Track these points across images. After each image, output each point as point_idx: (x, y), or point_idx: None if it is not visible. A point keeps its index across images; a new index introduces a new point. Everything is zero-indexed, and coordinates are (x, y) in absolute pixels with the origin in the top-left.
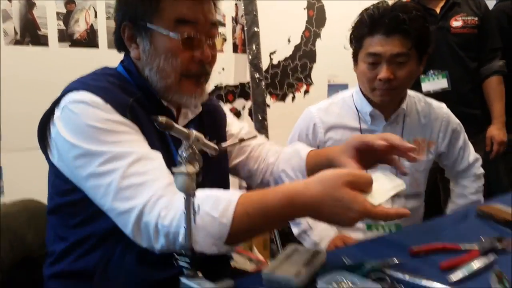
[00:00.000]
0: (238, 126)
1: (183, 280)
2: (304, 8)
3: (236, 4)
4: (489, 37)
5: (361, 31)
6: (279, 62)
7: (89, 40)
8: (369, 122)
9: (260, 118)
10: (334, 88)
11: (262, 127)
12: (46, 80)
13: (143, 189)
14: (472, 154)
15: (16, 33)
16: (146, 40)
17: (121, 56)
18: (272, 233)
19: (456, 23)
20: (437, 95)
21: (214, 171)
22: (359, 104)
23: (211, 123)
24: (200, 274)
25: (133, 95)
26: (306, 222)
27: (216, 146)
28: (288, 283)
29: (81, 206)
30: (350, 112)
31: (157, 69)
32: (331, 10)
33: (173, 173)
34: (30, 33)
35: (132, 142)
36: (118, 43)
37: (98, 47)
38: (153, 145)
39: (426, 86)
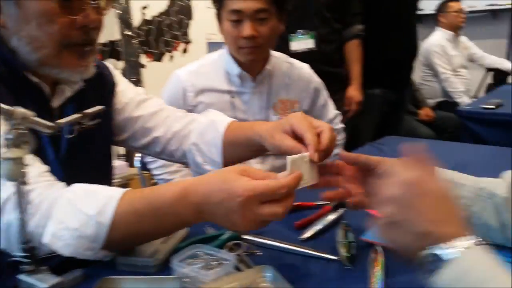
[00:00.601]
0: (131, 93)
1: (21, 277)
2: None
3: None
4: (351, 2)
5: None
6: (153, 17)
7: None
8: (238, 83)
9: (134, 80)
10: (214, 46)
11: None
12: None
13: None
14: (332, 111)
15: None
16: (12, 3)
17: None
18: None
19: None
20: (304, 54)
21: (92, 149)
22: (227, 66)
23: (96, 98)
24: (43, 268)
25: None
26: None
27: (50, 124)
28: (144, 265)
29: None
30: (219, 74)
31: (28, 39)
32: None
33: None
34: None
35: None
36: None
37: None
38: None
39: (294, 45)
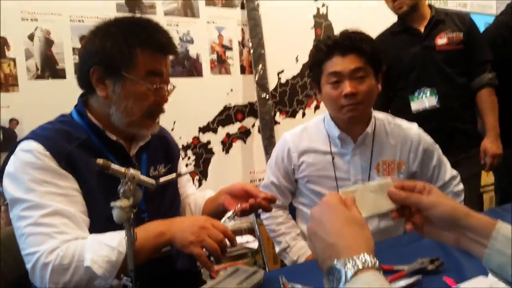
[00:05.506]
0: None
1: None
2: (312, 28)
3: (242, 28)
4: (476, 51)
5: (319, 57)
6: (287, 80)
7: None
8: (339, 145)
9: (267, 135)
10: None
11: (270, 143)
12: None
13: (48, 239)
14: (448, 172)
15: (37, 68)
16: (118, 84)
17: None
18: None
19: (441, 40)
20: (427, 113)
21: (167, 195)
22: (328, 129)
23: (164, 150)
24: None
25: (75, 141)
26: (285, 240)
27: (152, 181)
28: None
29: None
30: (321, 136)
31: (125, 109)
32: (339, 28)
33: (112, 207)
34: (49, 68)
35: (54, 195)
36: (83, 81)
37: None
38: (91, 186)
39: (415, 105)
